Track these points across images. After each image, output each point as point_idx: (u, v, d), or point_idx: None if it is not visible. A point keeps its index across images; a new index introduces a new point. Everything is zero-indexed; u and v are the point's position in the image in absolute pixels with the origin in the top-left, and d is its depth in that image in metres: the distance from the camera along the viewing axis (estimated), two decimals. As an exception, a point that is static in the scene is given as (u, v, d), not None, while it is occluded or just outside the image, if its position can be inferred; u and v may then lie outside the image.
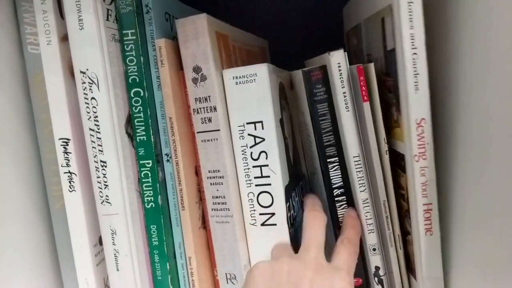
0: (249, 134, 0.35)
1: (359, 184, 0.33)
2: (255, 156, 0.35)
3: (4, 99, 0.34)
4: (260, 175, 0.35)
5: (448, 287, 0.30)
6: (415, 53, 0.27)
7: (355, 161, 0.33)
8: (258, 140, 0.35)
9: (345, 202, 0.34)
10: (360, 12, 0.39)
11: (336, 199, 0.34)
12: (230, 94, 0.34)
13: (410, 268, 0.33)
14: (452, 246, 0.29)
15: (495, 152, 0.23)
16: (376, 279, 0.35)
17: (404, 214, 0.32)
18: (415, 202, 0.29)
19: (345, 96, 0.32)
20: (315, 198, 0.37)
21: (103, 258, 0.36)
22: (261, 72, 0.33)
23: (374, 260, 0.34)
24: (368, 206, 0.33)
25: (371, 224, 0.34)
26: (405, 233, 0.33)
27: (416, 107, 0.28)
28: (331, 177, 0.34)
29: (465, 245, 0.27)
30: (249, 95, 0.34)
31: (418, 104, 0.28)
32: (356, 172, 0.33)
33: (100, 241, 0.36)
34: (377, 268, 0.34)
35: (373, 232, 0.34)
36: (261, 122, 0.34)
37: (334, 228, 0.35)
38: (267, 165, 0.35)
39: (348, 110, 0.32)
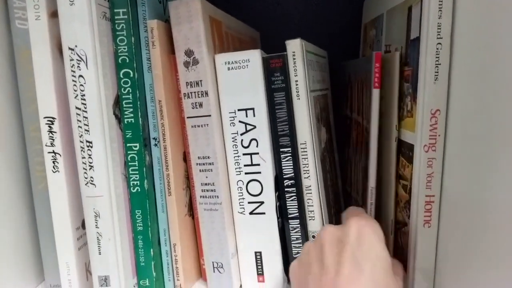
0: (240, 121, 0.34)
1: (304, 171, 0.34)
2: (245, 144, 0.34)
3: (-11, 74, 0.33)
4: (250, 163, 0.34)
5: (435, 280, 0.30)
6: (439, 43, 0.27)
7: (301, 148, 0.33)
8: (249, 127, 0.34)
9: (294, 194, 0.34)
10: (384, 2, 0.39)
11: (286, 189, 0.34)
12: (222, 80, 0.34)
13: (401, 260, 0.33)
14: (442, 239, 0.29)
15: (499, 151, 0.22)
16: None
17: (404, 205, 0.32)
18: (417, 193, 0.29)
19: (297, 85, 0.33)
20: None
21: (85, 243, 0.35)
22: (254, 58, 0.33)
23: None
24: (310, 193, 0.34)
25: (312, 211, 0.34)
26: (401, 224, 0.33)
27: (433, 97, 0.27)
28: (283, 168, 0.34)
29: (456, 239, 0.27)
30: (241, 81, 0.34)
31: (435, 95, 0.27)
32: (302, 159, 0.34)
33: (83, 225, 0.35)
34: None
35: (313, 219, 0.34)
36: (253, 109, 0.34)
37: (283, 219, 0.35)
38: (257, 153, 0.34)
39: (299, 99, 0.33)
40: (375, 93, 0.32)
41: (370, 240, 0.27)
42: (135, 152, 0.33)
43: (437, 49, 0.27)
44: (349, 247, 0.26)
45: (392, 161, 0.33)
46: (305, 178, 0.34)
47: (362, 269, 0.25)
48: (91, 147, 0.31)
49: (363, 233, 0.27)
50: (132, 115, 0.33)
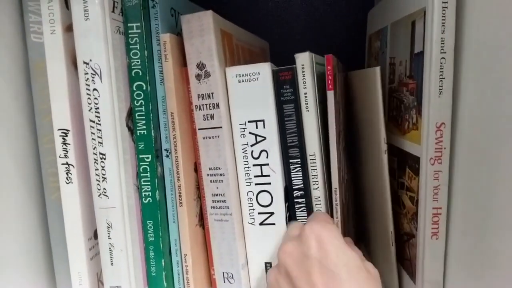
0: (250, 133, 0.35)
1: (313, 182, 0.34)
2: (255, 155, 0.35)
3: (4, 86, 0.33)
4: (260, 174, 0.35)
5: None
6: (443, 57, 0.27)
7: (310, 160, 0.34)
8: (259, 138, 0.34)
9: (303, 205, 0.34)
10: (388, 15, 0.40)
11: (295, 200, 0.35)
12: (233, 92, 0.34)
13: (410, 271, 0.33)
14: (450, 251, 0.29)
15: (505, 162, 0.23)
16: None
17: (411, 217, 0.32)
18: (424, 205, 0.29)
19: (306, 97, 0.33)
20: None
21: (97, 253, 0.35)
22: (264, 71, 0.33)
23: None
24: (320, 204, 0.34)
25: None
26: (409, 236, 0.33)
27: (438, 111, 0.28)
28: (292, 179, 0.34)
29: (463, 250, 0.27)
30: (252, 93, 0.34)
31: (440, 108, 0.28)
32: (311, 170, 0.34)
33: (95, 235, 0.35)
34: None
35: None
36: (263, 120, 0.34)
37: None
38: (267, 164, 0.34)
39: (308, 110, 0.33)
40: (330, 95, 0.33)
41: (332, 244, 0.26)
42: (147, 163, 0.34)
43: (441, 63, 0.27)
44: (315, 260, 0.25)
45: (384, 174, 0.33)
46: (314, 189, 0.34)
47: (339, 276, 0.24)
48: (104, 159, 0.32)
49: (322, 239, 0.26)
50: (144, 127, 0.33)
